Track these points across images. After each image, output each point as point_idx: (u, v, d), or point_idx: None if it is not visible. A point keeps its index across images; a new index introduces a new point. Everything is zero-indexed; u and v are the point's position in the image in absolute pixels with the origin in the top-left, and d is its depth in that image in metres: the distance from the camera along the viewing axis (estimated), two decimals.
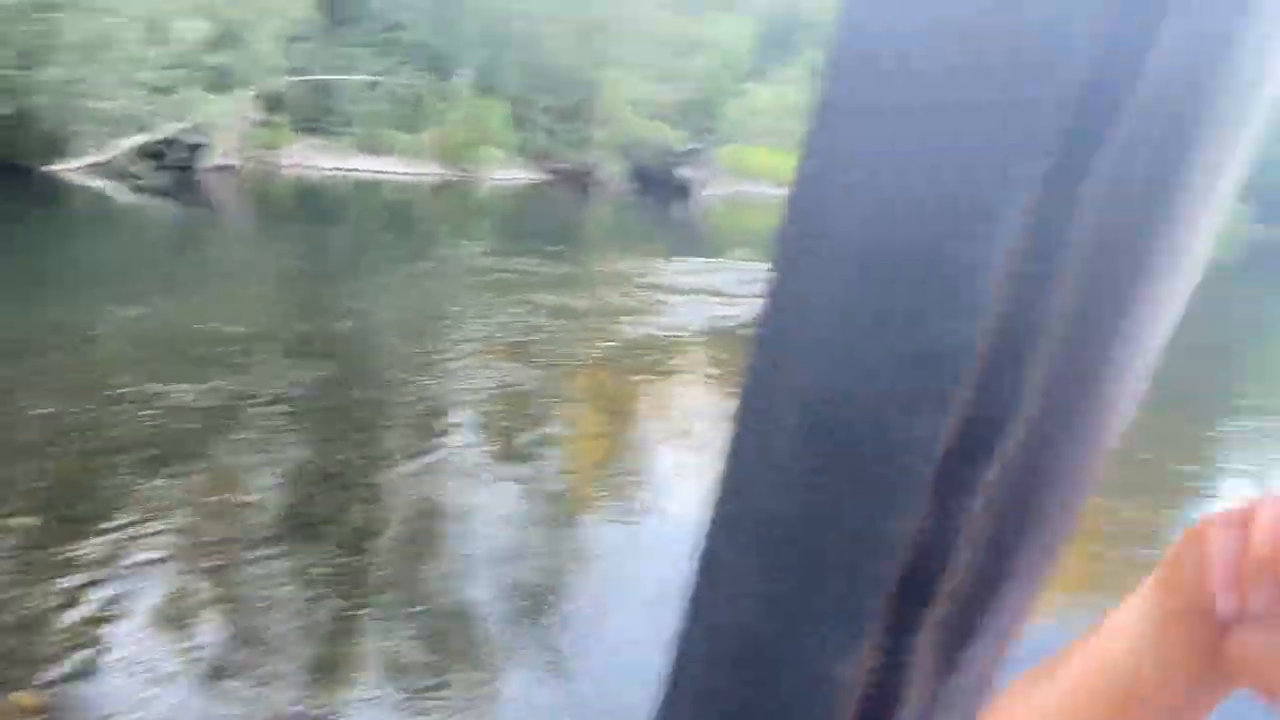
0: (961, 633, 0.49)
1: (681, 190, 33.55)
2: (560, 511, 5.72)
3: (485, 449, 6.55)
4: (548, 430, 7.12)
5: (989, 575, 0.48)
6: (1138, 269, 0.45)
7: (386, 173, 28.12)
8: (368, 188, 26.04)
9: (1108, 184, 0.43)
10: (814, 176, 0.47)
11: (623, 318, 11.04)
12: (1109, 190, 0.43)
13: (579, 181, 32.63)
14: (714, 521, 0.51)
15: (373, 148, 28.88)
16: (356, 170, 27.62)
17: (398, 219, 21.89)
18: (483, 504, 5.59)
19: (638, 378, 9.04)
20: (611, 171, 33.61)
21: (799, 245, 0.47)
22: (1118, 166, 0.43)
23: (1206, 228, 0.47)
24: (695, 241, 22.02)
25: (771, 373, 0.49)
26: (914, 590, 0.47)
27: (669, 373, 9.26)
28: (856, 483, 0.47)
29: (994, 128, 0.42)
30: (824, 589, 0.48)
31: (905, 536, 0.46)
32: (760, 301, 0.48)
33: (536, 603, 4.62)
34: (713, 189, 33.66)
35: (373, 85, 29.39)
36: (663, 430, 7.45)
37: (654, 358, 9.54)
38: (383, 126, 29.33)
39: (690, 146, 35.03)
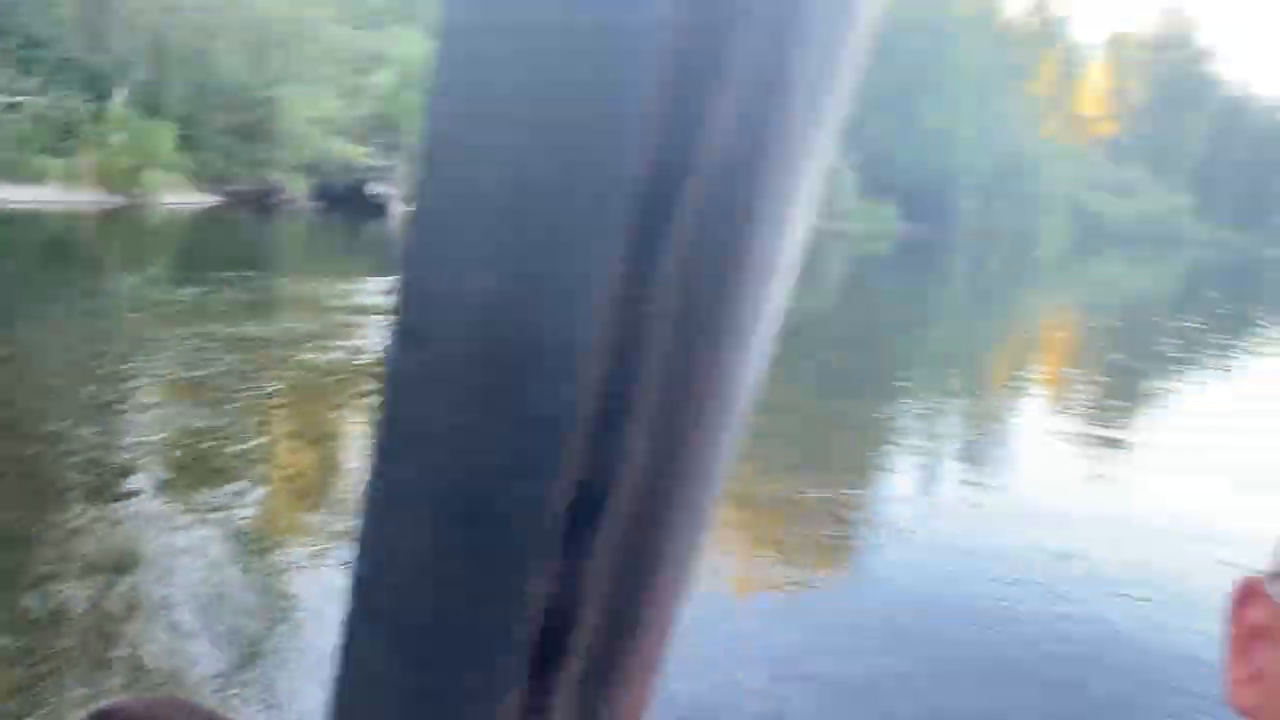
0: (599, 685, 0.50)
1: (376, 208, 32.75)
2: (253, 560, 5.40)
3: (164, 501, 6.07)
4: (234, 474, 6.70)
5: (620, 626, 0.50)
6: (722, 325, 0.48)
7: (40, 202, 25.54)
8: (18, 219, 23.53)
9: (684, 254, 0.45)
10: (419, 265, 0.48)
11: (311, 344, 10.60)
12: (686, 258, 0.45)
13: (261, 203, 31.08)
14: (351, 616, 0.51)
15: (21, 175, 26.15)
16: (3, 201, 24.91)
17: (56, 252, 19.93)
18: (167, 560, 5.17)
19: (329, 408, 8.71)
20: (296, 191, 32.28)
21: (411, 331, 0.49)
22: (691, 238, 0.45)
23: (785, 269, 0.51)
24: (390, 260, 21.55)
25: (396, 457, 0.50)
26: (548, 652, 0.48)
27: (363, 399, 8.98)
28: (484, 555, 0.48)
29: (571, 212, 0.45)
30: (463, 663, 0.49)
31: (535, 601, 0.48)
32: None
33: (233, 662, 4.34)
34: (409, 206, 33.11)
35: (13, 106, 26.60)
36: (360, 462, 7.21)
37: (346, 385, 9.23)
38: (31, 151, 26.62)
39: (382, 163, 34.28)
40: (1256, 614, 0.46)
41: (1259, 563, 0.47)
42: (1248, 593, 0.48)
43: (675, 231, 0.45)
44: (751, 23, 0.44)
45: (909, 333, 16.21)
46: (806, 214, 0.51)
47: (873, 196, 51.02)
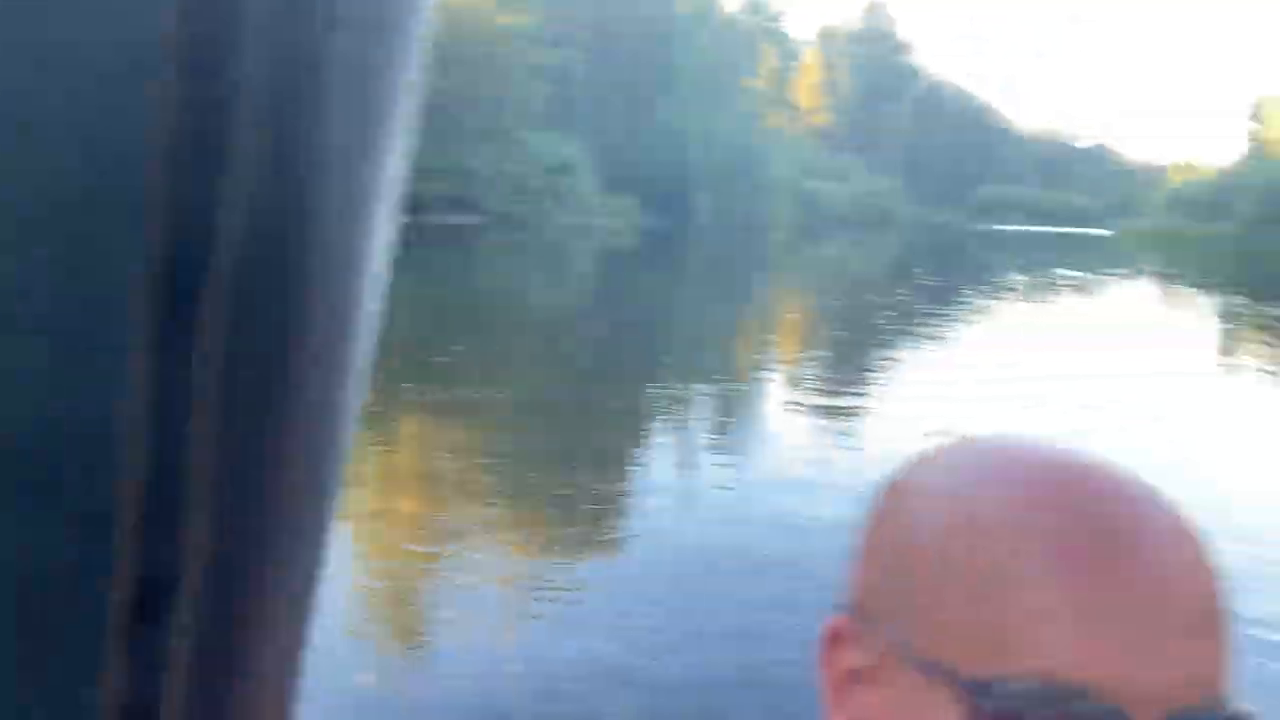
0: None
1: None
2: None
3: None
4: None
5: (217, 714, 0.48)
6: (287, 394, 0.47)
7: None
8: None
9: (223, 330, 0.45)
10: None
11: None
12: (227, 333, 0.45)
13: None
14: None
15: None
16: None
17: None
18: None
19: None
20: None
21: None
22: (230, 315, 0.45)
23: (358, 320, 0.50)
24: None
25: None
26: None
27: None
28: (46, 662, 0.45)
29: (86, 302, 0.43)
30: None
31: (109, 703, 0.45)
32: None
33: None
34: None
35: None
36: None
37: None
38: None
39: None
40: (851, 657, 0.45)
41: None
42: (837, 635, 0.46)
43: (208, 310, 0.44)
44: (257, 97, 0.43)
45: (655, 323, 16.73)
46: (376, 262, 0.50)
47: (614, 192, 52.09)
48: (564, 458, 7.64)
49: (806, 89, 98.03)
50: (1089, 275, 34.31)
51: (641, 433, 8.90)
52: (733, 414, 9.98)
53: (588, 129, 52.18)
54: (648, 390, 10.79)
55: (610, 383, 11.16)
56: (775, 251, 43.56)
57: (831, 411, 9.76)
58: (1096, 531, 0.40)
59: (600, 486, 7.04)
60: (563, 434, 8.50)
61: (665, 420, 9.41)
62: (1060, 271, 34.88)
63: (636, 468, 7.75)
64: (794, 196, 68.91)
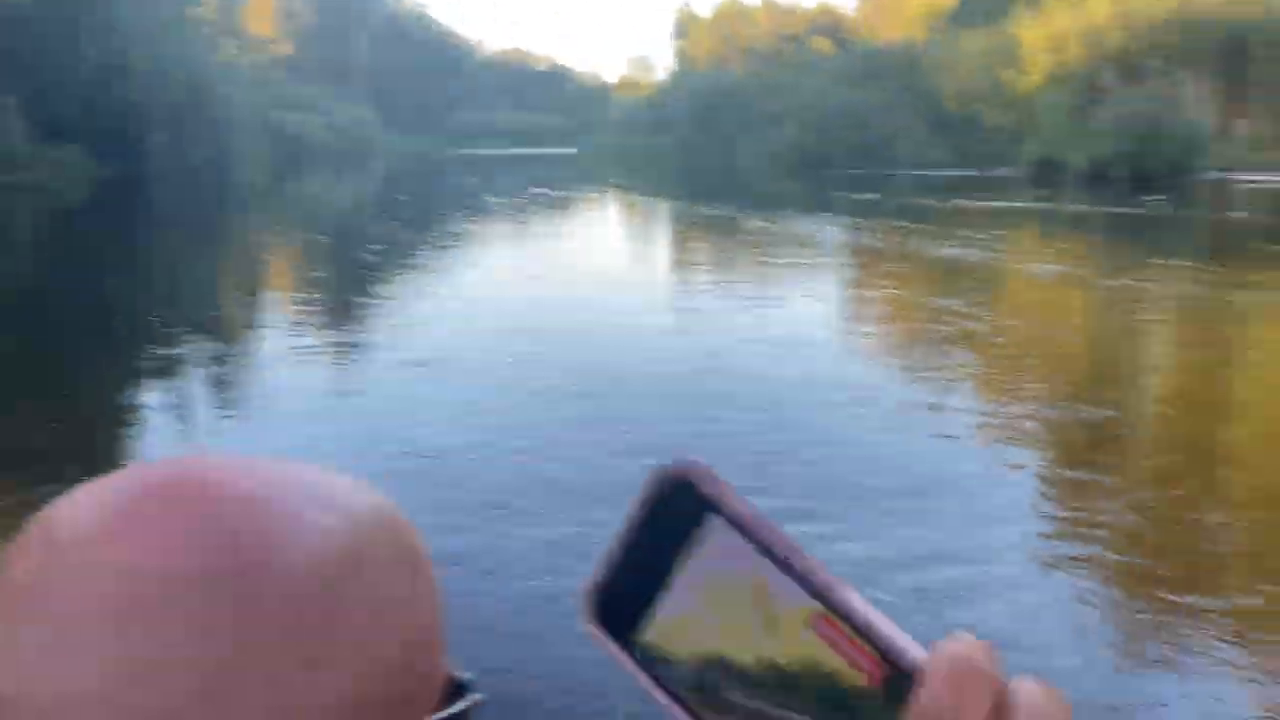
0: None
1: None
2: None
3: None
4: None
5: None
6: None
7: None
8: None
9: None
10: None
11: None
12: None
13: None
14: None
15: None
16: None
17: None
18: None
19: None
20: None
21: None
22: None
23: None
24: None
25: None
26: None
27: None
28: None
29: None
30: None
31: None
32: None
33: None
34: None
35: None
36: None
37: None
38: None
39: None
40: None
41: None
42: None
43: None
44: None
45: (123, 286, 15.46)
46: None
47: (54, 142, 46.21)
48: (34, 456, 6.99)
49: (260, 18, 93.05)
50: (560, 193, 36.89)
51: (127, 412, 8.34)
52: (225, 376, 9.64)
53: (11, 71, 45.58)
54: (124, 364, 10.12)
55: (83, 362, 10.27)
56: (251, 191, 41.57)
57: (326, 354, 9.87)
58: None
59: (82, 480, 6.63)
60: (32, 427, 7.71)
61: (151, 393, 8.86)
62: (534, 191, 37.10)
63: (126, 455, 7.31)
64: (263, 131, 65.66)
